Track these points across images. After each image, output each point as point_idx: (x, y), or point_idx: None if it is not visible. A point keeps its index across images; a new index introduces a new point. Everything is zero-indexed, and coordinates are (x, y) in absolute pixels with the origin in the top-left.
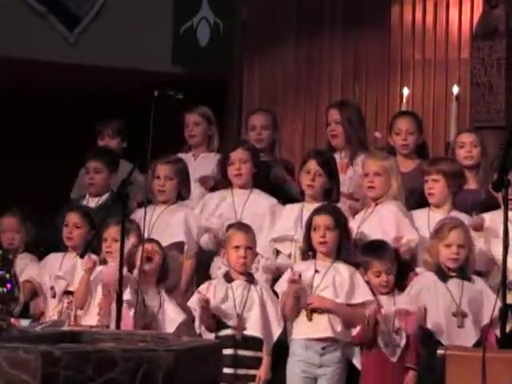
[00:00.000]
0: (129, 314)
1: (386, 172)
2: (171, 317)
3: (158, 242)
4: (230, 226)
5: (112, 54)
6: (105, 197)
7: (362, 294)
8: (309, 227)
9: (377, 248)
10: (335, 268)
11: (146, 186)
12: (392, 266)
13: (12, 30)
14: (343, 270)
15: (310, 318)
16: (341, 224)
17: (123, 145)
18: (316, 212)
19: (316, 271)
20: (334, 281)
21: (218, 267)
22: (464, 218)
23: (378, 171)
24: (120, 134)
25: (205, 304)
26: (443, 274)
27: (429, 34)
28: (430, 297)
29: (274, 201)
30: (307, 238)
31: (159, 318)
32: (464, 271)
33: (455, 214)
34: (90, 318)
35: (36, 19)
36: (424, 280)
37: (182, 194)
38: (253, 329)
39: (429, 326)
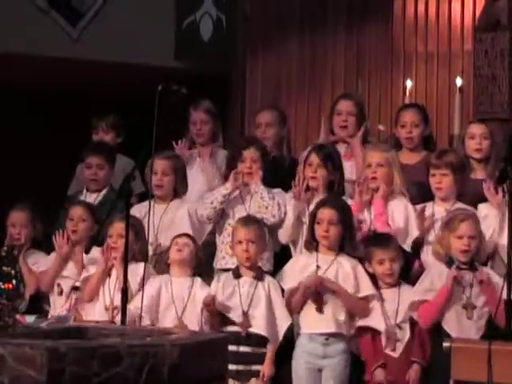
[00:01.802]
0: None
1: (388, 163)
2: (198, 301)
3: (188, 235)
4: (237, 221)
5: (114, 49)
6: (104, 192)
7: (365, 288)
8: (313, 219)
9: (379, 238)
10: (338, 262)
11: (149, 182)
12: (396, 254)
13: (14, 26)
14: (346, 263)
15: (320, 311)
16: (345, 218)
17: (118, 140)
18: (321, 205)
19: (317, 267)
20: (337, 275)
21: (222, 257)
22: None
23: (380, 162)
24: (115, 129)
25: (211, 302)
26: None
27: (431, 26)
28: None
29: (278, 190)
30: (311, 229)
31: (188, 303)
32: (474, 264)
33: (459, 205)
34: (95, 313)
35: (38, 14)
36: (434, 271)
37: (178, 190)
38: (258, 327)
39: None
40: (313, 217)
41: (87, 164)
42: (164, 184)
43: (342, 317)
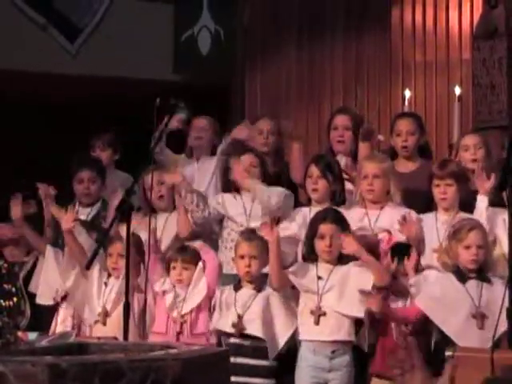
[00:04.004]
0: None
1: (385, 174)
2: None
3: (192, 252)
4: (239, 236)
5: (113, 64)
6: (96, 206)
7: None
8: (313, 233)
9: (400, 250)
10: (337, 268)
11: (150, 194)
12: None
13: (12, 42)
14: (345, 266)
15: (316, 322)
16: (345, 231)
17: (115, 156)
18: (321, 220)
19: (319, 278)
20: (341, 280)
21: (227, 262)
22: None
23: (377, 173)
24: (111, 146)
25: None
26: (462, 276)
27: (429, 35)
28: (448, 299)
29: (280, 189)
30: (310, 243)
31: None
32: (483, 273)
33: (462, 215)
34: (102, 329)
35: (36, 31)
36: (442, 282)
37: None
38: (254, 329)
39: (446, 329)
40: (313, 232)
41: (79, 179)
42: (165, 194)
43: (346, 326)
